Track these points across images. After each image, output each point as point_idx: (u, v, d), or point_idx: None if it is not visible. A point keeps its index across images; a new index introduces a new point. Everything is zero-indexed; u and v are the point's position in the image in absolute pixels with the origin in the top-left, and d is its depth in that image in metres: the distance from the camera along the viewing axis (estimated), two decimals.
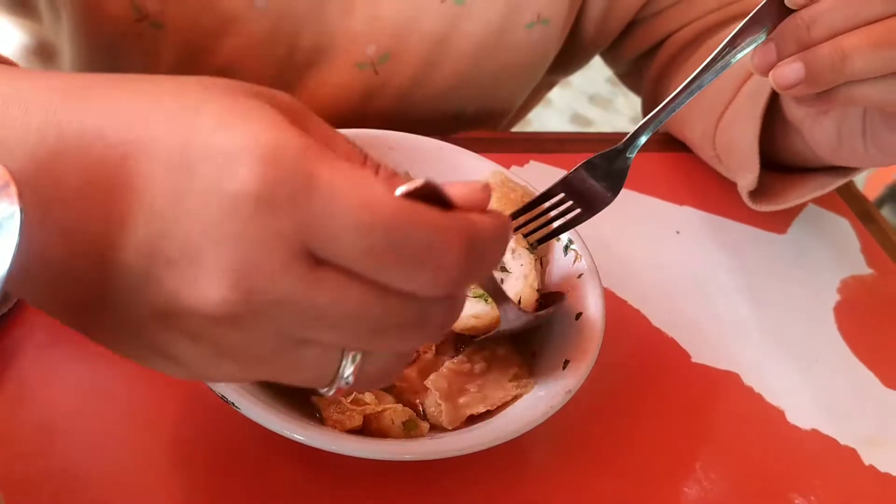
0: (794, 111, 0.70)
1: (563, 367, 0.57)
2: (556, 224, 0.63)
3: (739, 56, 0.55)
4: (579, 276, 0.64)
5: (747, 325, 0.76)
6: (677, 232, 0.83)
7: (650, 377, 0.69)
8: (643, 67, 0.98)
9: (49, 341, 0.61)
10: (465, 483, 0.59)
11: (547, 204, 0.62)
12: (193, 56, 0.82)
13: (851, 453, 0.67)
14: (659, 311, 0.74)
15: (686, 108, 0.85)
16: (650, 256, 0.80)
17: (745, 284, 0.79)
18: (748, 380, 0.70)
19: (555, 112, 2.87)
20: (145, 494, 0.55)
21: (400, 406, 0.54)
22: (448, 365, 0.57)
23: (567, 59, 0.99)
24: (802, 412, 0.69)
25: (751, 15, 0.55)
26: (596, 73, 3.28)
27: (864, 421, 0.69)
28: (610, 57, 1.04)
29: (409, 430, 0.54)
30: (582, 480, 0.61)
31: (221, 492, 0.56)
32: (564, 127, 2.85)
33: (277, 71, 0.85)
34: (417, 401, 0.57)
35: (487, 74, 0.90)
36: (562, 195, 0.62)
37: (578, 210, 0.62)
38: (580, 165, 0.61)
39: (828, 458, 0.66)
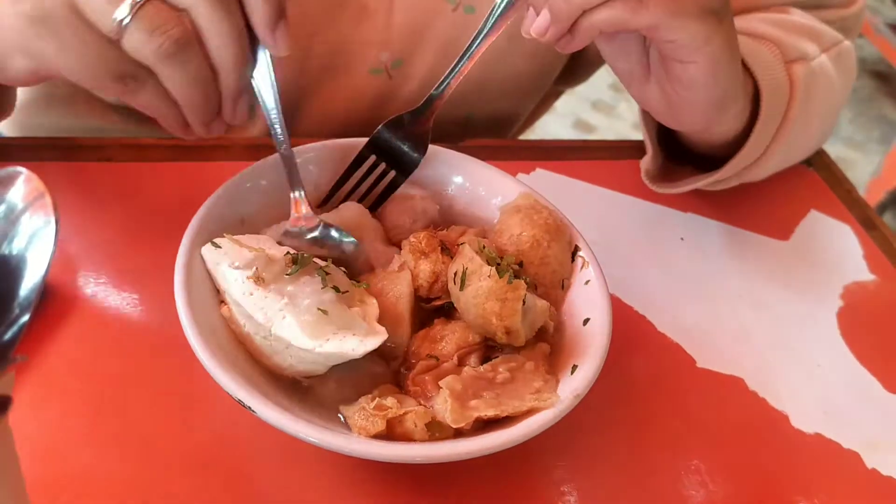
0: (629, 89, 0.74)
1: (572, 372, 0.58)
2: (378, 190, 0.70)
3: (498, 13, 0.66)
4: (586, 282, 0.65)
5: (751, 330, 0.77)
6: (682, 238, 0.84)
7: (656, 382, 0.70)
8: None
9: (69, 346, 0.63)
10: (477, 484, 0.60)
11: (364, 169, 0.69)
12: None
13: (854, 457, 0.68)
14: (664, 317, 0.75)
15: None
16: (655, 263, 0.81)
17: (749, 290, 0.80)
18: (752, 384, 0.71)
19: (558, 118, 2.88)
20: (163, 498, 0.56)
21: (422, 409, 0.55)
22: (468, 370, 0.58)
23: (573, 71, 1.00)
24: (806, 416, 0.70)
25: None
26: (599, 80, 3.28)
27: (866, 425, 0.70)
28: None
29: (433, 432, 0.54)
30: (589, 482, 0.62)
31: (238, 494, 0.57)
32: (567, 132, 2.86)
33: (293, 76, 0.86)
34: (429, 404, 0.57)
35: (496, 82, 0.91)
36: (373, 157, 0.69)
37: (393, 173, 0.69)
38: (383, 125, 0.69)
39: (831, 461, 0.67)
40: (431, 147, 0.72)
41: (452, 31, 0.86)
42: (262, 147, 0.81)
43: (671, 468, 0.64)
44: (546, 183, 0.86)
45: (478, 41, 0.68)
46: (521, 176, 0.85)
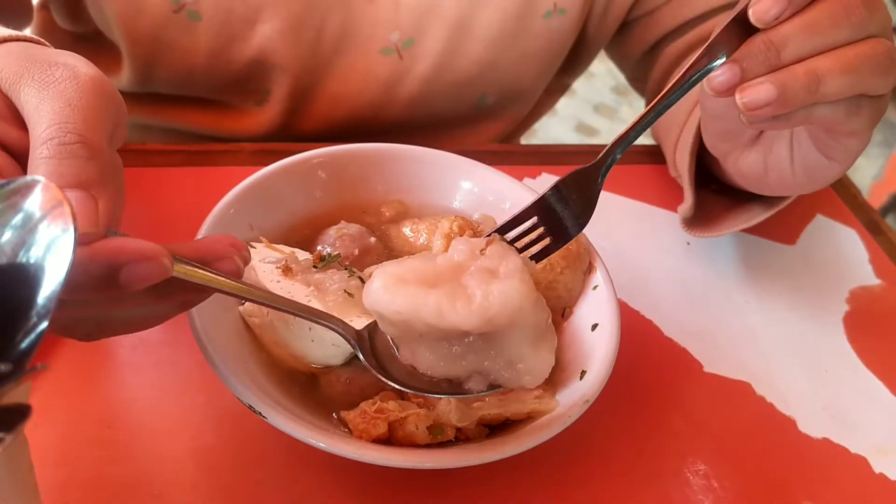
0: (718, 146, 0.71)
1: (581, 378, 0.58)
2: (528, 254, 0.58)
3: (699, 74, 0.53)
4: (594, 287, 0.65)
5: (758, 335, 0.77)
6: (688, 243, 0.84)
7: (664, 387, 0.70)
8: (647, 73, 1.00)
9: (79, 356, 0.63)
10: (485, 489, 0.60)
11: (518, 230, 0.57)
12: (227, 46, 0.85)
13: (862, 462, 0.68)
14: (671, 322, 0.75)
15: (660, 128, 0.87)
16: (662, 268, 0.81)
17: (756, 295, 0.80)
18: (760, 389, 0.71)
19: (560, 121, 2.89)
20: (172, 502, 0.56)
21: (423, 411, 0.55)
22: None
23: (576, 56, 1.00)
24: (813, 421, 0.70)
25: (713, 36, 0.52)
26: (601, 83, 3.30)
27: (874, 430, 0.70)
28: (616, 59, 1.07)
29: (435, 435, 0.55)
30: (598, 486, 0.62)
31: (246, 498, 0.57)
32: (570, 135, 2.86)
33: (306, 57, 0.87)
34: (432, 406, 0.57)
35: (507, 61, 0.92)
36: (534, 219, 0.57)
37: (548, 240, 0.58)
38: (554, 186, 0.56)
39: (838, 466, 0.67)
40: (440, 153, 0.73)
41: (460, 10, 0.87)
42: (269, 153, 0.81)
43: (679, 472, 0.64)
44: None
45: (674, 97, 0.54)
46: (527, 181, 0.85)
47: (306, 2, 0.84)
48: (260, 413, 0.51)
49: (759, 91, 0.52)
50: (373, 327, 0.56)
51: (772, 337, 0.77)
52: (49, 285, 0.31)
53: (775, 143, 0.66)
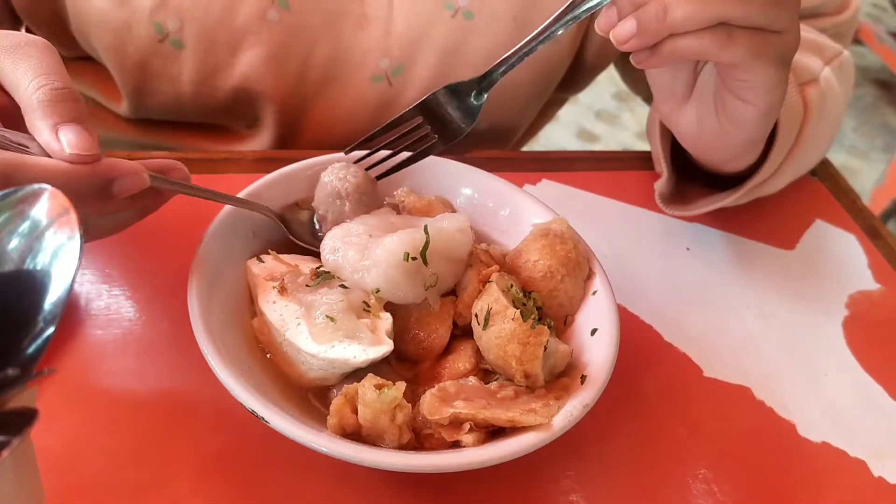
0: (663, 109, 0.74)
1: (582, 382, 0.58)
2: (414, 148, 0.70)
3: (584, 8, 0.61)
4: (594, 292, 0.65)
5: (758, 339, 0.77)
6: (688, 248, 0.85)
7: (663, 391, 0.71)
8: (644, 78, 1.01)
9: (83, 360, 0.63)
10: (486, 494, 0.60)
11: (407, 126, 0.68)
12: (211, 74, 0.85)
13: (861, 465, 0.68)
14: (671, 327, 0.76)
15: (648, 124, 0.89)
16: (662, 272, 0.82)
17: (755, 300, 0.81)
18: (759, 394, 0.72)
19: (561, 127, 2.89)
20: None
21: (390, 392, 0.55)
22: (472, 381, 0.59)
23: (573, 78, 1.01)
24: (813, 425, 0.70)
25: None
26: (602, 90, 3.30)
27: (872, 434, 0.71)
28: (621, 74, 1.07)
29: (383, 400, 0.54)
30: (597, 491, 0.62)
31: (252, 503, 0.57)
32: (571, 141, 2.87)
33: (293, 85, 0.88)
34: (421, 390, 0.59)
35: (497, 90, 0.92)
36: (420, 118, 0.68)
37: (436, 137, 0.68)
38: (441, 88, 0.67)
39: (838, 470, 0.67)
40: (439, 159, 0.73)
41: (452, 37, 0.87)
42: (271, 160, 0.82)
43: (679, 477, 0.64)
44: (552, 194, 0.87)
45: (557, 28, 0.63)
46: (527, 187, 0.86)
47: (291, 30, 0.84)
48: (263, 418, 0.52)
49: (623, 25, 0.60)
50: (290, 210, 0.69)
51: (771, 342, 0.77)
52: (56, 291, 0.31)
53: (704, 92, 0.70)
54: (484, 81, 0.67)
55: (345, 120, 0.91)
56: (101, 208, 0.55)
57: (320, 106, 0.90)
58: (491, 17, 0.87)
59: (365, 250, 0.60)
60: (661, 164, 0.85)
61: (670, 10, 0.59)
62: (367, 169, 0.70)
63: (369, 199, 0.68)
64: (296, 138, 0.93)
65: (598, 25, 0.62)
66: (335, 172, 0.68)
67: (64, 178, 0.52)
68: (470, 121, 0.67)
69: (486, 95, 0.67)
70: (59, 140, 0.52)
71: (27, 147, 0.53)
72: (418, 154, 0.70)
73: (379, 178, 0.71)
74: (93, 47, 0.86)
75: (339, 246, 0.62)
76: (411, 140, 0.69)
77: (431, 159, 0.73)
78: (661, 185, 0.85)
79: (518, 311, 0.58)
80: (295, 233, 0.68)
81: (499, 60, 0.66)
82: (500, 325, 0.58)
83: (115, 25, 0.81)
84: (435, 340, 0.61)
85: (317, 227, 0.69)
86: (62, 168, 0.52)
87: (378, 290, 0.59)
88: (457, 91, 0.67)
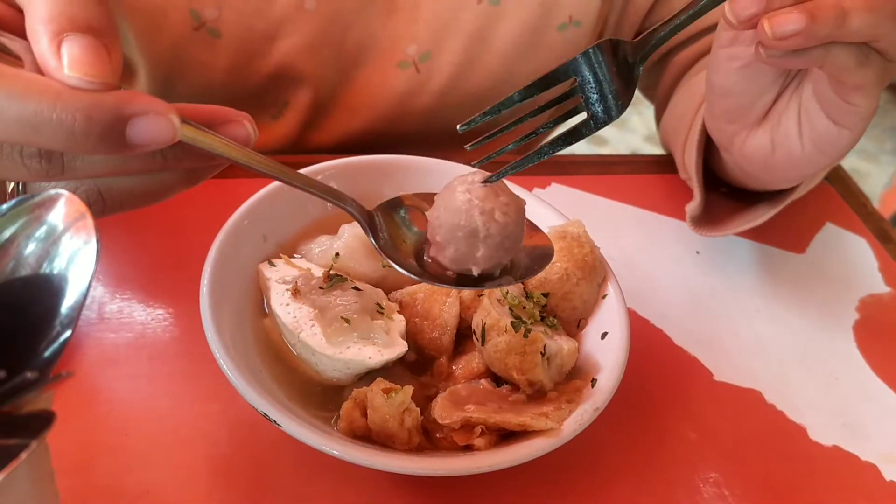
0: (725, 129, 0.71)
1: (592, 386, 0.59)
2: (550, 137, 0.54)
3: None
4: (604, 296, 0.65)
5: (768, 343, 0.77)
6: (697, 252, 0.85)
7: (674, 395, 0.71)
8: (657, 81, 1.01)
9: (95, 364, 0.64)
10: (495, 497, 0.60)
11: (558, 91, 0.52)
12: (247, 62, 0.86)
13: (872, 469, 0.68)
14: (681, 331, 0.76)
15: (668, 133, 0.87)
16: (671, 276, 0.82)
17: (765, 303, 0.81)
18: (770, 397, 0.72)
19: None
20: None
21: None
22: (484, 383, 0.59)
23: None
24: (824, 429, 0.70)
25: None
26: None
27: (884, 437, 0.71)
28: None
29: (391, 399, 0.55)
30: (608, 494, 0.62)
31: None
32: (580, 145, 2.82)
33: (326, 72, 0.89)
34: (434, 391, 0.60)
35: (522, 75, 0.93)
36: (573, 80, 0.51)
37: (584, 115, 0.51)
38: (605, 41, 0.50)
39: (849, 474, 0.67)
40: (448, 163, 0.73)
41: (478, 22, 0.88)
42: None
43: (689, 481, 0.64)
44: (562, 197, 0.87)
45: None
46: (536, 191, 0.86)
47: (327, 17, 0.85)
48: (274, 421, 0.52)
49: (789, 19, 0.51)
50: (384, 212, 0.55)
51: (782, 345, 0.77)
52: (72, 295, 0.32)
53: (783, 116, 0.67)
54: (641, 50, 0.50)
55: (371, 106, 0.92)
56: (118, 166, 0.41)
57: (348, 91, 0.91)
58: (517, 2, 0.88)
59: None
60: (695, 187, 0.80)
61: (850, 17, 0.52)
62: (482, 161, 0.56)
63: (511, 244, 0.53)
64: (320, 125, 0.93)
65: (735, 9, 0.52)
66: (477, 199, 0.52)
67: (52, 105, 0.37)
68: (627, 98, 0.51)
69: (641, 69, 0.51)
70: (59, 54, 0.38)
71: (18, 59, 0.40)
72: (559, 139, 0.54)
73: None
74: (122, 33, 0.87)
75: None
76: (554, 115, 0.56)
77: (440, 164, 0.73)
78: (693, 208, 0.79)
79: (509, 323, 0.58)
80: (385, 244, 0.54)
81: (659, 24, 0.50)
82: (494, 340, 0.58)
83: (151, 10, 0.82)
84: (440, 326, 0.61)
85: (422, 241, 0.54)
86: (52, 89, 0.37)
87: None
88: (618, 49, 0.50)
